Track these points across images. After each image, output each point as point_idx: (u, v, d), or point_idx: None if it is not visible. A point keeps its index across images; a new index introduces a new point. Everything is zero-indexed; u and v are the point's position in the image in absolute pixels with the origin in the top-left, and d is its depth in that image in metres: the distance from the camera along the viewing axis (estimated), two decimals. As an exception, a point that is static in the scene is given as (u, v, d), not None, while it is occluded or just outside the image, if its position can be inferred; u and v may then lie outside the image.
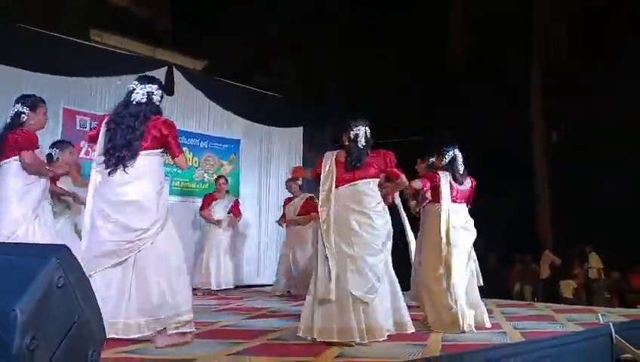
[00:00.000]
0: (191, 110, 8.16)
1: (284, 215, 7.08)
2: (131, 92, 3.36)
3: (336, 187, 3.66)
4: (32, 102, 3.88)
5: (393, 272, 3.82)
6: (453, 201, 4.24)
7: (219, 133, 8.51)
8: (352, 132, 3.74)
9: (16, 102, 3.87)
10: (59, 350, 1.67)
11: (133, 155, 3.23)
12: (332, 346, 3.24)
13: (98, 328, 1.95)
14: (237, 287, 7.43)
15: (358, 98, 11.93)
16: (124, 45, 8.68)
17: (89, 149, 6.64)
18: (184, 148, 8.07)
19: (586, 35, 11.50)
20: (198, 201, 7.49)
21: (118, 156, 3.22)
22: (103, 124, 3.36)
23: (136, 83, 3.39)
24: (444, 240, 4.09)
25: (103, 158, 3.29)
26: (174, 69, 7.99)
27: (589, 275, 10.20)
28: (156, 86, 3.43)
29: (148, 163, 3.29)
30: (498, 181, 8.06)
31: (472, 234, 4.34)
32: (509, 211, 10.85)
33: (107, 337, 2.97)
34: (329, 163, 3.73)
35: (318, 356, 3.02)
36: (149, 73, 7.60)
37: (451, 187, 4.26)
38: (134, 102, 3.32)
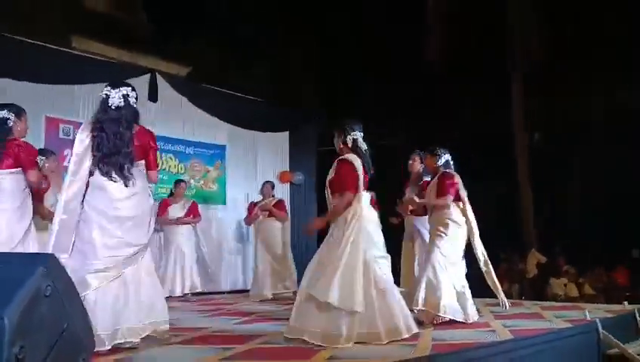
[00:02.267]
0: (175, 116, 8.10)
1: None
2: (107, 98, 3.30)
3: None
4: (17, 110, 4.01)
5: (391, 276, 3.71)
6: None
7: (204, 139, 8.47)
8: (350, 136, 3.65)
9: (0, 109, 3.96)
10: (48, 358, 1.65)
11: (131, 164, 3.21)
12: (325, 348, 3.24)
13: (87, 336, 1.94)
14: (230, 292, 7.57)
15: (340, 100, 11.97)
16: (107, 52, 8.61)
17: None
18: (170, 155, 8.04)
19: (567, 34, 11.63)
20: None
21: (115, 163, 3.17)
22: (83, 132, 3.27)
23: (109, 88, 3.33)
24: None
25: (93, 167, 3.20)
26: (158, 75, 7.94)
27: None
28: (130, 88, 3.38)
29: (140, 173, 3.30)
30: (480, 180, 8.12)
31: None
32: (493, 209, 10.95)
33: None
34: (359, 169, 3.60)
35: (310, 358, 3.01)
36: (133, 80, 7.70)
37: None
38: (113, 107, 3.27)
